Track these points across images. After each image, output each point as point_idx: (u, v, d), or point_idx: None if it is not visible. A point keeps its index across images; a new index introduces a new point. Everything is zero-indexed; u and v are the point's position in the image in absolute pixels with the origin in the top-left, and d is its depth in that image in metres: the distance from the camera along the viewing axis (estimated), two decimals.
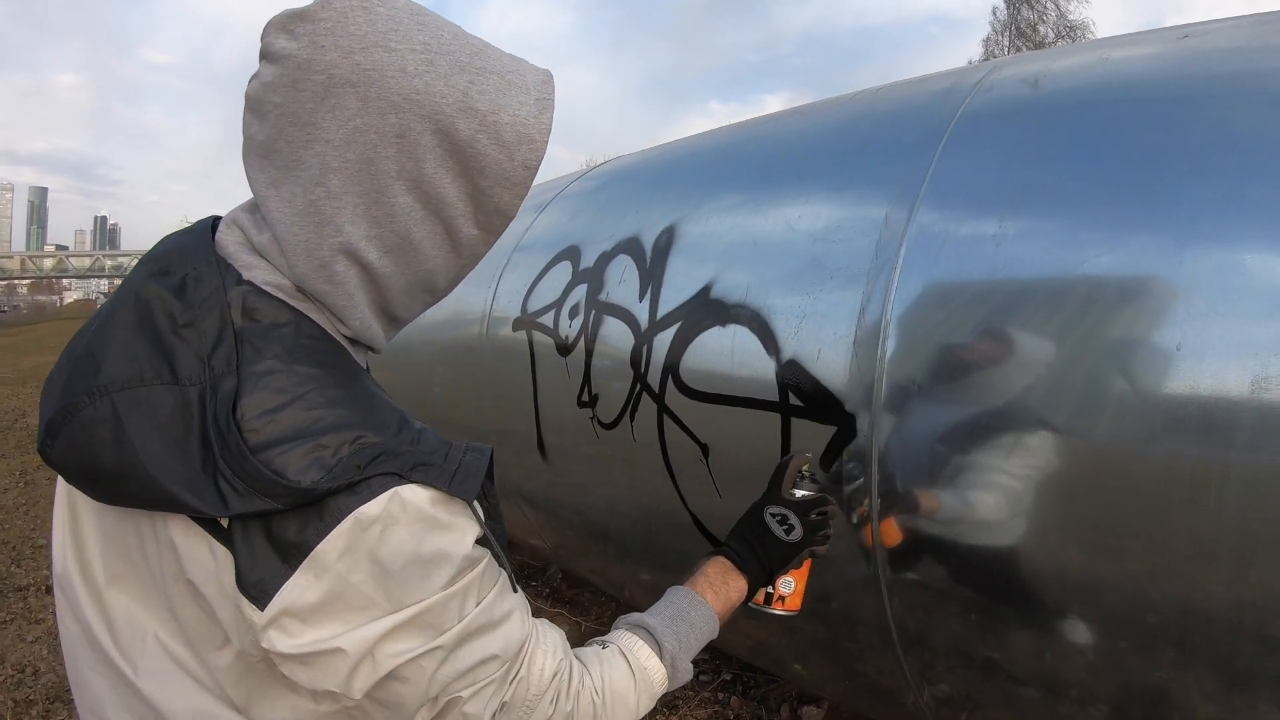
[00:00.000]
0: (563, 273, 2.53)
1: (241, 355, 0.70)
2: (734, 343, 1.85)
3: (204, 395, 0.68)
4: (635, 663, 0.94)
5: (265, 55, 0.74)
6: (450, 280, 0.85)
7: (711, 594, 1.09)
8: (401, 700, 0.72)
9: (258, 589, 0.67)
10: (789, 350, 1.74)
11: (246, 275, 0.75)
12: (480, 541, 0.74)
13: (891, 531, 1.83)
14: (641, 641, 0.97)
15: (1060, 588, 1.40)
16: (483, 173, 0.77)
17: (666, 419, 2.00)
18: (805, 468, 1.31)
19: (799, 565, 1.22)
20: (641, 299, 2.11)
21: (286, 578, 0.67)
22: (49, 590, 4.34)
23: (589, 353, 2.28)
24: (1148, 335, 1.30)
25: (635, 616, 1.01)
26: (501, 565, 0.79)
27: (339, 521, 0.67)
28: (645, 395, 2.06)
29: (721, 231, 2.00)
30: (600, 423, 2.25)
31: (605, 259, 2.33)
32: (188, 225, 0.87)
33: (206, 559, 0.69)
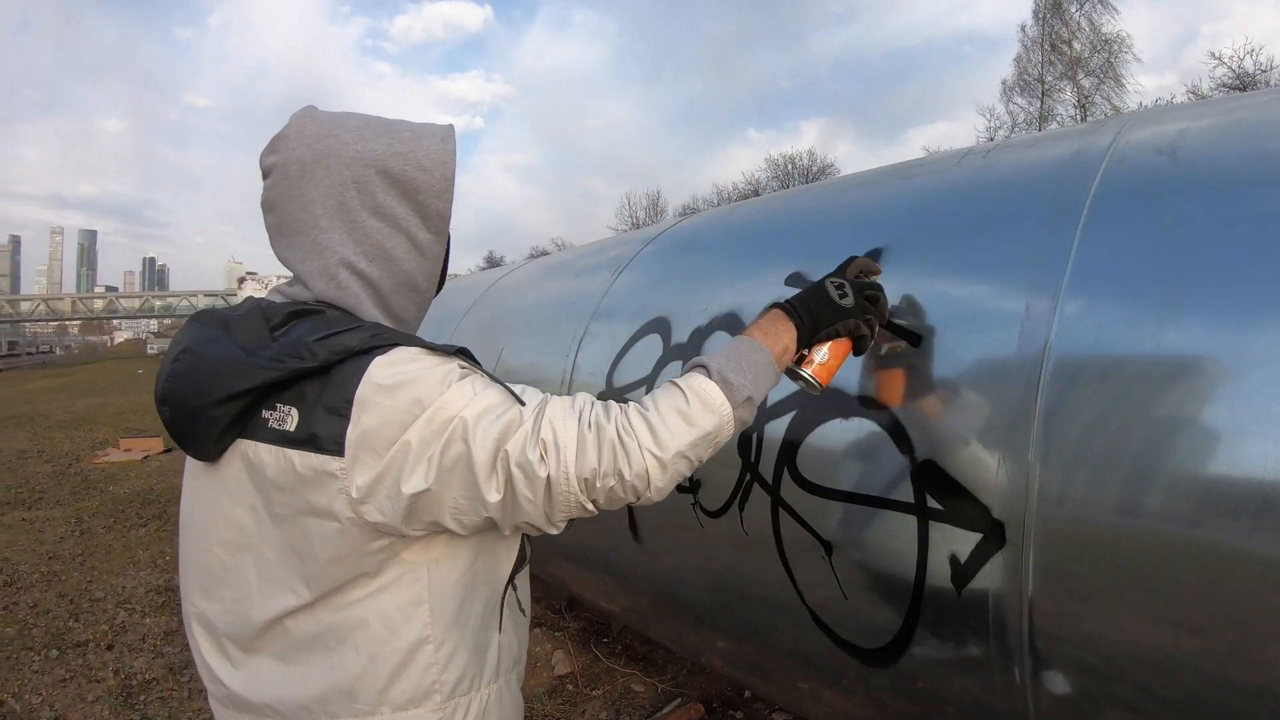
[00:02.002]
0: (652, 346, 2.43)
1: (277, 330, 1.04)
2: (860, 436, 1.74)
3: (258, 344, 1.02)
4: (686, 385, 1.09)
5: (263, 172, 1.11)
6: (427, 279, 1.16)
7: (760, 334, 1.21)
8: (470, 469, 0.97)
9: (331, 443, 0.96)
10: (924, 448, 1.63)
11: (276, 299, 1.12)
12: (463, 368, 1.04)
13: None
14: (692, 373, 1.12)
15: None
16: (417, 190, 1.10)
17: (782, 512, 1.90)
18: (877, 276, 1.42)
19: (842, 334, 1.29)
20: None
21: (345, 423, 0.96)
22: (109, 647, 4.38)
23: None
24: None
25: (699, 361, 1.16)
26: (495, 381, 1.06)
27: (366, 369, 0.97)
28: (757, 486, 1.96)
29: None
30: (704, 510, 2.15)
31: (700, 335, 2.23)
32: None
33: (287, 465, 0.99)
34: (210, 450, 1.04)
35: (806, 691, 2.22)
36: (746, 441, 1.99)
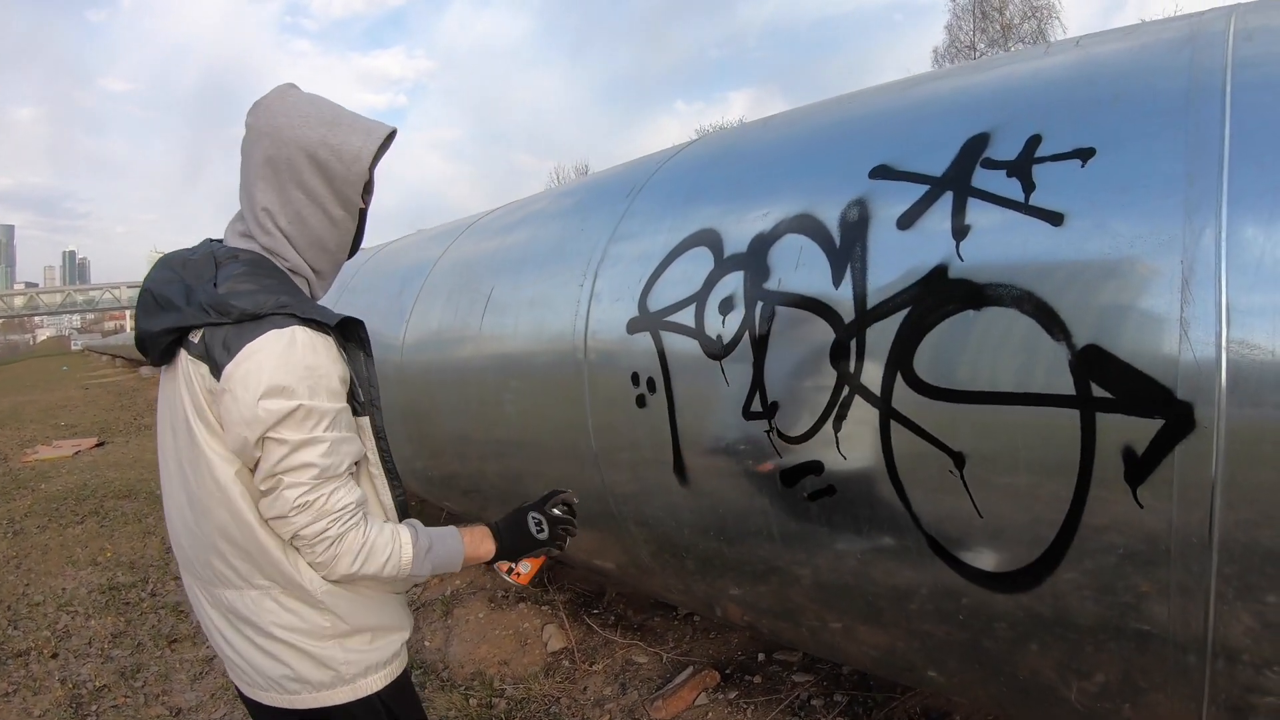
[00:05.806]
0: (698, 261, 2.15)
1: (219, 269, 1.40)
2: (996, 328, 1.53)
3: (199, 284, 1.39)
4: (398, 539, 1.42)
5: (246, 125, 1.44)
6: (337, 244, 1.50)
7: (468, 540, 1.57)
8: (265, 461, 1.32)
9: (216, 370, 1.33)
10: (1084, 332, 1.43)
11: (228, 242, 1.49)
12: (344, 382, 1.39)
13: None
14: (409, 533, 1.45)
15: None
16: (334, 177, 1.41)
17: (895, 425, 1.67)
18: (574, 503, 1.73)
19: (537, 556, 1.69)
20: (837, 285, 1.77)
21: (230, 360, 1.31)
22: (54, 656, 4.03)
23: (760, 354, 1.93)
24: None
25: (415, 522, 1.51)
26: (357, 402, 1.42)
27: (264, 333, 1.31)
28: (859, 398, 1.73)
29: (941, 204, 1.68)
30: (781, 435, 1.91)
31: (764, 241, 1.97)
32: (160, 254, 1.62)
33: (193, 372, 1.38)
34: (159, 358, 1.46)
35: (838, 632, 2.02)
36: (842, 351, 1.76)
